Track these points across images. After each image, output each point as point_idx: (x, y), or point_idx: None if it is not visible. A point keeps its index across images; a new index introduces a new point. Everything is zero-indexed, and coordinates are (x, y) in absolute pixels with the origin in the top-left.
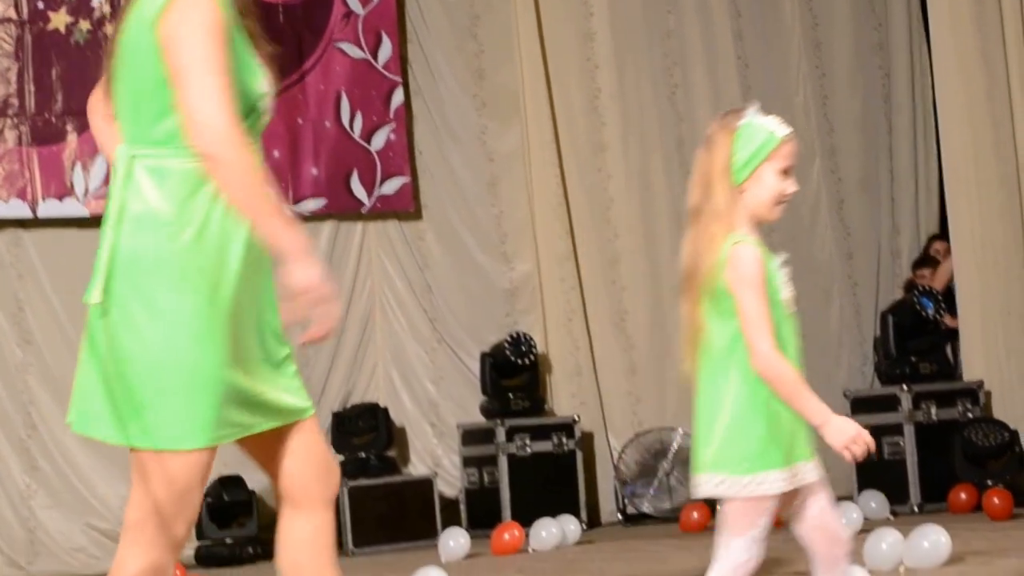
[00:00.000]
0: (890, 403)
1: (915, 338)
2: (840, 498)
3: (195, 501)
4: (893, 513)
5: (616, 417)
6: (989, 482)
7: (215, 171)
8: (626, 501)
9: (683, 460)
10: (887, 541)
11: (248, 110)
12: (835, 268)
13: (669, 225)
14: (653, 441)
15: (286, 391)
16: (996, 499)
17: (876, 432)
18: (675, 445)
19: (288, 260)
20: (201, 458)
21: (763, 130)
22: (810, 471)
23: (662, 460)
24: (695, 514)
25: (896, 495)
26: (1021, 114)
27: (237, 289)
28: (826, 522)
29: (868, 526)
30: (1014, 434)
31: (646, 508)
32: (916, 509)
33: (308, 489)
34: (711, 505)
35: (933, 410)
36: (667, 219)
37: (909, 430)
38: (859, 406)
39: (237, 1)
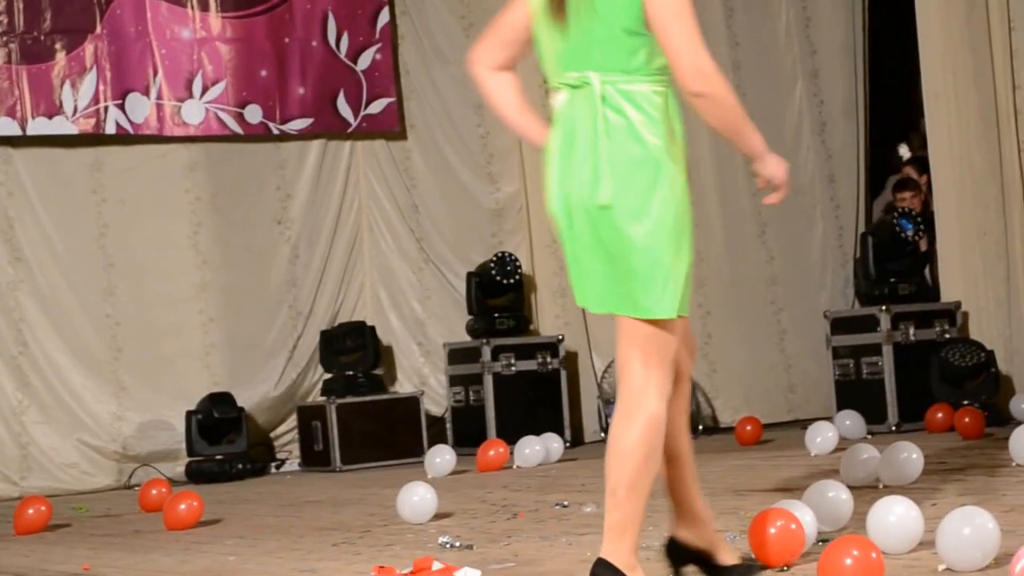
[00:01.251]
0: (869, 323)
1: (894, 259)
2: (818, 418)
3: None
4: (871, 433)
5: (600, 337)
6: (965, 402)
7: (704, 104)
8: (608, 420)
9: None
10: (863, 457)
11: None
12: (817, 191)
13: None
14: None
15: None
16: (967, 418)
17: (855, 352)
18: None
19: (761, 157)
20: (680, 324)
21: None
22: None
23: None
24: None
25: (874, 415)
26: (999, 39)
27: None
28: None
29: (845, 445)
30: (990, 354)
31: None
32: (893, 428)
33: (683, 364)
34: (693, 424)
35: (911, 331)
36: None
37: (887, 350)
38: (839, 326)
39: None
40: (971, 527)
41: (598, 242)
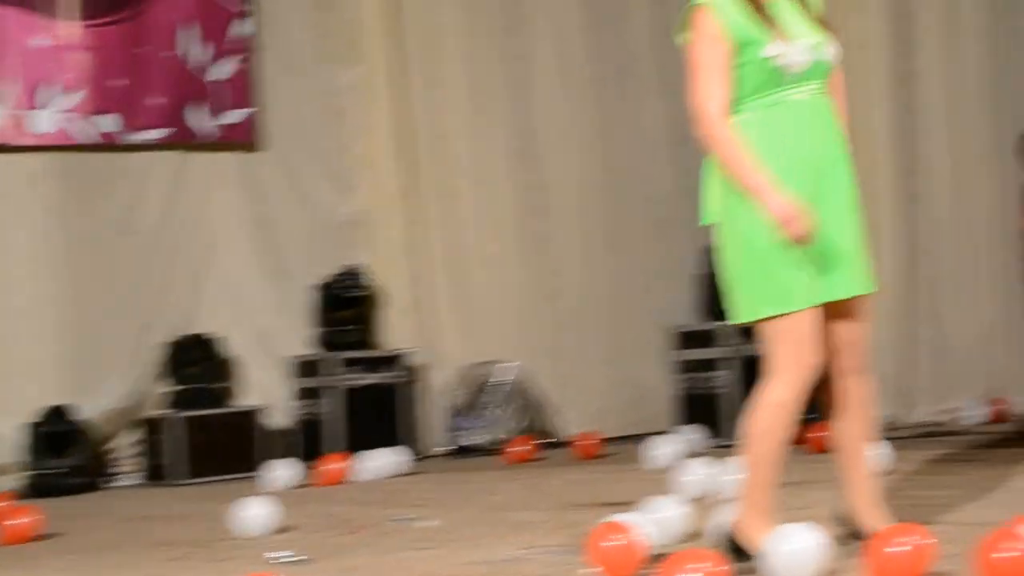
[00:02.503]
0: (712, 338)
1: None
2: (660, 432)
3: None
4: (712, 447)
5: (447, 350)
6: (811, 416)
7: (707, 143)
8: (454, 433)
9: (512, 393)
10: (701, 472)
11: (766, 73)
12: (671, 205)
13: (507, 161)
14: (484, 374)
15: None
16: (815, 432)
17: (698, 366)
18: (503, 379)
19: (760, 196)
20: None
21: None
22: None
23: (492, 393)
24: (516, 447)
25: (716, 429)
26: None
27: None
28: None
29: (685, 459)
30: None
31: (473, 440)
32: (734, 442)
33: (837, 359)
34: (532, 437)
35: (754, 346)
36: (505, 155)
37: (730, 364)
38: (683, 340)
39: None
40: (794, 544)
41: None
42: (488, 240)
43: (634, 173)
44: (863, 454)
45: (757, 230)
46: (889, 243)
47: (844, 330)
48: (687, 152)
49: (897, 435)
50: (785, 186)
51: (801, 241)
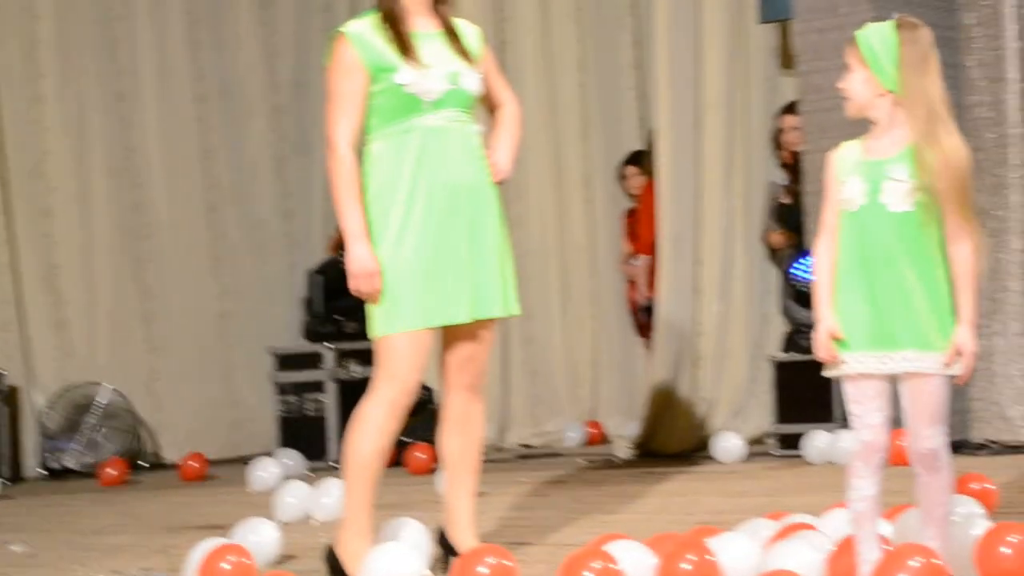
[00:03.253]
0: (314, 360)
1: (342, 298)
2: (259, 454)
3: None
4: (312, 469)
5: (43, 371)
6: (406, 439)
7: (329, 173)
8: (49, 456)
9: (108, 415)
10: (297, 494)
11: (400, 100)
12: (274, 226)
13: (106, 180)
14: (79, 396)
15: None
16: (418, 454)
17: (299, 388)
18: (101, 400)
19: (347, 243)
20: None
21: None
22: None
23: (87, 415)
24: (111, 470)
25: (317, 451)
26: None
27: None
28: None
29: (286, 481)
30: (430, 392)
31: (69, 463)
32: (334, 464)
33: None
34: (129, 460)
35: (356, 368)
36: (104, 174)
37: (332, 387)
38: (285, 363)
39: (385, 16)
40: (390, 565)
41: None
42: (85, 260)
43: (237, 194)
44: (466, 473)
45: (382, 253)
46: None
47: (461, 349)
48: (289, 173)
49: (493, 457)
50: (411, 211)
51: (367, 297)
